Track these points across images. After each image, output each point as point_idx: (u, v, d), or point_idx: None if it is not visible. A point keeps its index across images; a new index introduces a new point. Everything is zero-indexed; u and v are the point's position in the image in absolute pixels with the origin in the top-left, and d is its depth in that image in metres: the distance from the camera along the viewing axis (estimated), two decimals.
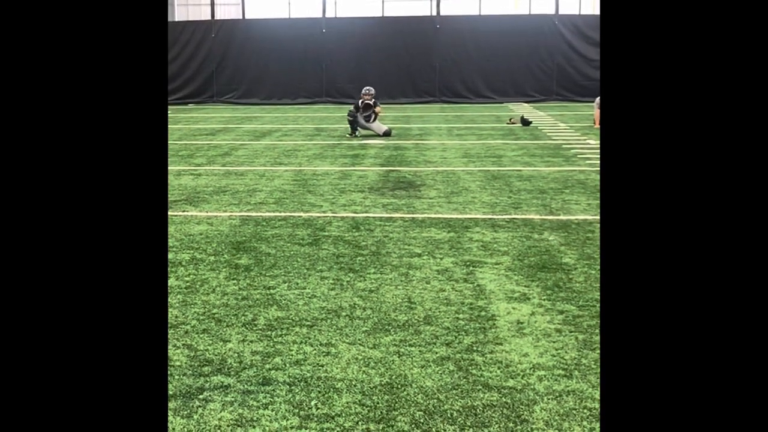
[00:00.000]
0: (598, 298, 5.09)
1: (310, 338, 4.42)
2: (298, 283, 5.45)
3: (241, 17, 26.75)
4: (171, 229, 7.20)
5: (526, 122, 16.74)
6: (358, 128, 14.94)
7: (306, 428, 3.38)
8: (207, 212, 8.03)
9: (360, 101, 15.05)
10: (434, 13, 25.35)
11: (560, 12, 24.54)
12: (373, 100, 15.03)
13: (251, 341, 4.38)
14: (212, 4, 26.13)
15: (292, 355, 4.18)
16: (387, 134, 14.81)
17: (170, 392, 3.73)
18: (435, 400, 3.63)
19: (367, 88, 15.34)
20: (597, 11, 25.72)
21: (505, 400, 3.64)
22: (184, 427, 3.40)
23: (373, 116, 14.95)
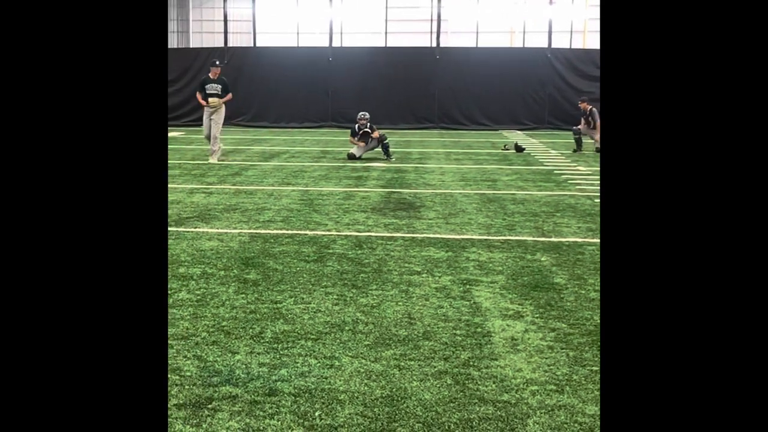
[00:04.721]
0: (588, 317, 5.06)
1: (314, 351, 4.39)
2: (303, 298, 5.43)
3: (252, 45, 26.89)
4: (183, 244, 7.18)
5: (519, 149, 16.73)
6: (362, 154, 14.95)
7: None
8: (218, 229, 8.02)
9: (356, 126, 15.08)
10: (434, 45, 25.50)
11: (553, 46, 24.70)
12: (369, 124, 15.03)
13: (258, 353, 4.35)
14: (225, 32, 26.26)
15: (297, 367, 4.15)
16: (382, 140, 14.77)
17: (180, 401, 3.70)
18: (433, 413, 3.60)
19: (362, 113, 15.37)
20: (587, 46, 25.84)
21: (499, 413, 3.61)
22: None
23: (370, 140, 14.97)
